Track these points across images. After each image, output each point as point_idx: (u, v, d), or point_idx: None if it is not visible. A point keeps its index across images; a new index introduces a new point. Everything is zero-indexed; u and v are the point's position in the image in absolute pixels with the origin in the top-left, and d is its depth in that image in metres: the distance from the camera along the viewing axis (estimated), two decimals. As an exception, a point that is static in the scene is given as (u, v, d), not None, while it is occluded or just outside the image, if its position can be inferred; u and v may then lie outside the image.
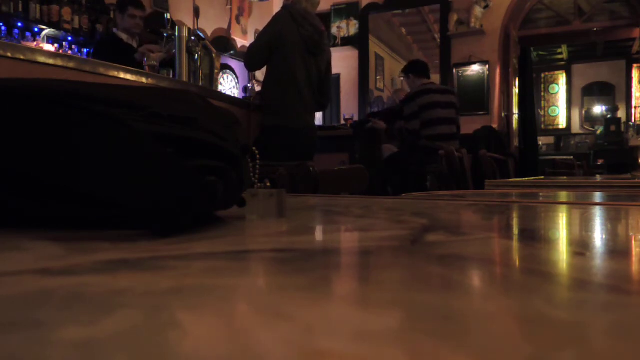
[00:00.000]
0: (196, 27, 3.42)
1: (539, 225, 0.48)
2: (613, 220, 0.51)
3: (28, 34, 3.84)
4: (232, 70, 5.85)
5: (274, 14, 2.79)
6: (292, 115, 2.69)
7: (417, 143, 3.39)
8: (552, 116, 10.07)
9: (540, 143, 8.41)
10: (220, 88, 4.46)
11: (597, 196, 1.10)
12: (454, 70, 5.79)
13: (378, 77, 6.67)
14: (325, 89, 2.89)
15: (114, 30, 3.19)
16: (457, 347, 0.13)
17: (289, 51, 2.64)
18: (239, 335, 0.14)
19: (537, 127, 7.37)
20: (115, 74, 2.08)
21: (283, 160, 2.43)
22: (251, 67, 3.00)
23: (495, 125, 5.31)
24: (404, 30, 7.08)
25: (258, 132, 2.78)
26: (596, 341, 0.13)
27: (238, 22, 5.89)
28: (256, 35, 5.86)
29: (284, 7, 2.74)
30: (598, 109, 9.77)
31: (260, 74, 3.47)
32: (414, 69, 3.67)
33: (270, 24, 2.72)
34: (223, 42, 5.56)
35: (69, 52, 4.01)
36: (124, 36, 3.08)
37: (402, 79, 6.56)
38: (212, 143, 0.36)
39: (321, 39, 2.76)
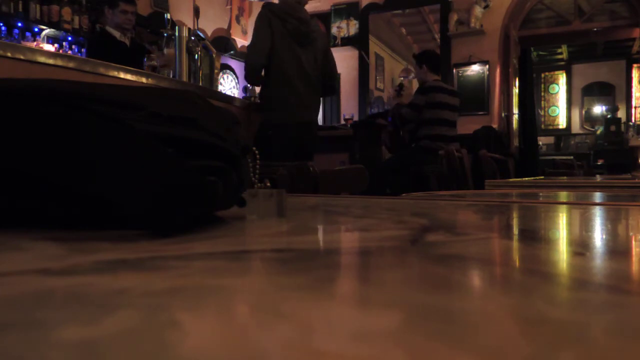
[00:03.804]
0: (196, 27, 3.42)
1: (539, 225, 0.48)
2: (613, 220, 0.51)
3: (28, 34, 3.85)
4: (232, 70, 5.86)
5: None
6: (289, 111, 2.68)
7: (419, 143, 3.38)
8: (552, 116, 10.07)
9: (540, 143, 8.41)
10: (220, 88, 4.46)
11: (597, 196, 1.10)
12: (454, 70, 5.79)
13: (378, 77, 6.67)
14: (325, 72, 2.82)
15: (105, 27, 3.03)
16: (457, 347, 0.13)
17: (277, 48, 2.62)
18: (239, 335, 0.14)
19: (537, 127, 7.38)
20: (115, 74, 2.08)
21: (283, 157, 2.42)
22: (253, 72, 2.69)
23: (495, 125, 5.31)
24: (404, 30, 7.08)
25: (257, 129, 2.78)
26: (596, 341, 0.13)
27: (238, 22, 5.89)
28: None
29: (263, 7, 2.70)
30: (598, 109, 9.77)
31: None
32: (430, 61, 3.50)
33: (256, 28, 2.67)
34: (223, 42, 5.56)
35: (69, 52, 4.01)
36: (116, 33, 2.98)
37: (401, 78, 6.55)
38: (212, 143, 0.36)
39: (308, 29, 2.71)
